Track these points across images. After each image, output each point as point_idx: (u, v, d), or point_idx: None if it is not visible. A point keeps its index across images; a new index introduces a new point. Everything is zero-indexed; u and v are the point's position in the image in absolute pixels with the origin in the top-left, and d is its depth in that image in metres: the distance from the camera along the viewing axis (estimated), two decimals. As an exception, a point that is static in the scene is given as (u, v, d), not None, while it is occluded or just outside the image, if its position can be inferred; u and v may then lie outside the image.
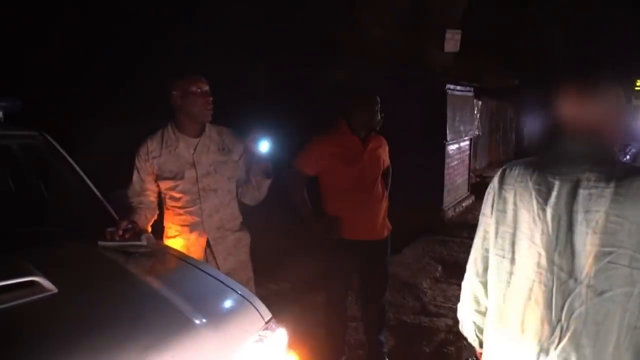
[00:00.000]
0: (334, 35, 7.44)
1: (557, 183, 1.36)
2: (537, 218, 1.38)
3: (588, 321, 1.28)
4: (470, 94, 8.31)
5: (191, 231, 2.51)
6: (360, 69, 7.02)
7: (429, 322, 4.04)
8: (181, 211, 2.50)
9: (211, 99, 2.48)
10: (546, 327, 1.34)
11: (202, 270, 2.02)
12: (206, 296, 1.83)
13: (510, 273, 1.45)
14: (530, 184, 1.42)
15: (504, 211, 1.49)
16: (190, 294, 1.78)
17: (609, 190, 1.28)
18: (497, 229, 1.51)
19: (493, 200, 1.55)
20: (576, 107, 1.41)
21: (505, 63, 19.89)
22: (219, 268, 2.48)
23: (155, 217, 2.58)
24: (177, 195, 2.49)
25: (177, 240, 2.54)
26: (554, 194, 1.35)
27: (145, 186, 2.50)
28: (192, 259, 2.26)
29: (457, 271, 5.22)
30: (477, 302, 1.61)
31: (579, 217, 1.31)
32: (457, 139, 7.55)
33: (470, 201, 8.46)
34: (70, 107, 6.19)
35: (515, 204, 1.45)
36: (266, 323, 1.81)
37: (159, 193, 2.56)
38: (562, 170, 1.36)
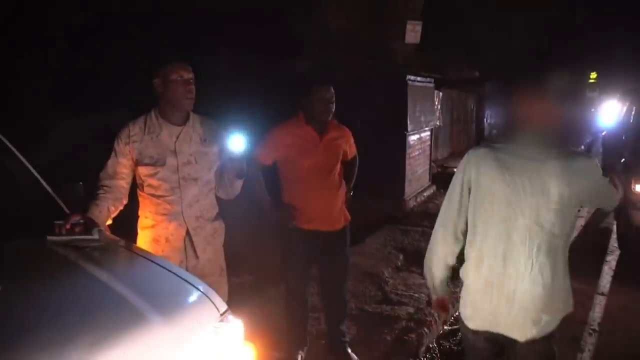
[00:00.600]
0: (297, 26, 7.40)
1: (518, 160, 1.90)
2: (508, 184, 1.90)
3: (548, 254, 1.88)
4: (431, 85, 8.41)
5: (170, 221, 2.48)
6: (322, 60, 7.01)
7: (390, 310, 4.09)
8: (160, 200, 2.47)
9: (192, 87, 2.47)
10: (522, 261, 1.89)
11: (156, 263, 1.98)
12: (159, 289, 1.80)
13: (491, 225, 1.94)
14: (499, 160, 1.93)
15: (477, 181, 1.97)
16: (142, 287, 1.74)
17: (555, 166, 1.86)
18: (475, 195, 1.99)
19: (468, 174, 2.00)
20: (529, 106, 1.95)
21: (466, 55, 20.23)
22: (197, 258, 2.53)
23: (122, 207, 2.51)
24: (156, 182, 2.46)
25: (154, 230, 2.51)
26: (517, 166, 1.90)
27: (119, 170, 2.45)
28: (146, 252, 2.22)
29: (418, 260, 5.24)
30: (448, 261, 2.11)
31: (538, 184, 1.87)
32: (418, 129, 7.64)
33: (432, 191, 8.58)
34: (24, 100, 5.97)
35: (489, 175, 1.94)
36: (221, 315, 1.79)
37: (132, 181, 2.52)
38: (521, 151, 1.91)
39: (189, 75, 2.47)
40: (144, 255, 2.09)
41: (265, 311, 3.71)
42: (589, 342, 3.86)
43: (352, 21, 8.05)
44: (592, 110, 20.83)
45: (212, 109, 3.15)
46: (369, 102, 6.89)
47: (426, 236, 6.15)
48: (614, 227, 6.46)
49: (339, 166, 3.08)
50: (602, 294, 4.79)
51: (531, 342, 1.93)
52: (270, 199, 3.05)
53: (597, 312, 4.38)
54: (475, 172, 1.96)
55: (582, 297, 4.61)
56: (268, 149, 3.02)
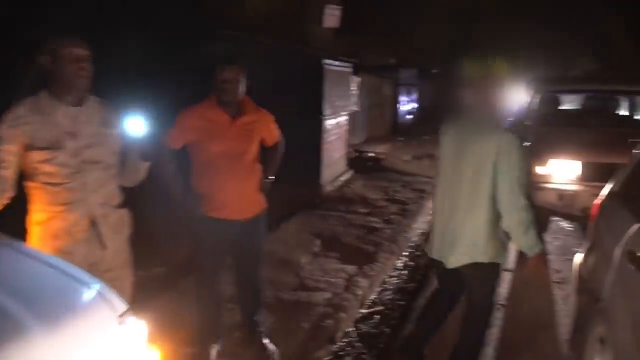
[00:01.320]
0: (214, 8, 7.10)
1: (464, 136, 2.70)
2: (454, 153, 2.73)
3: (468, 200, 2.65)
4: (348, 69, 8.43)
5: (71, 210, 2.27)
6: (239, 42, 6.78)
7: (307, 297, 4.05)
8: (58, 188, 2.24)
9: (86, 65, 2.26)
10: (449, 207, 2.74)
11: (46, 263, 1.77)
12: (45, 294, 1.60)
13: (444, 182, 2.83)
14: (452, 135, 2.81)
15: (440, 150, 2.89)
16: (24, 293, 1.53)
17: (487, 141, 2.57)
18: (440, 161, 2.90)
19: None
20: (472, 93, 2.76)
21: (384, 41, 20.60)
22: (104, 249, 2.36)
23: (7, 201, 2.23)
24: (53, 169, 2.22)
25: (51, 223, 2.27)
26: (461, 139, 2.70)
27: (4, 157, 2.18)
28: (36, 251, 1.98)
29: (335, 245, 5.31)
30: None
31: (469, 153, 2.63)
32: (335, 114, 7.63)
33: (348, 176, 8.65)
34: None
35: (446, 146, 2.83)
36: (120, 317, 1.63)
37: (19, 171, 2.25)
38: (466, 128, 2.74)
39: (82, 52, 2.26)
40: (31, 255, 1.87)
41: (177, 305, 3.54)
42: (498, 316, 4.04)
43: (271, 3, 7.87)
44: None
45: (124, 92, 2.97)
46: (286, 85, 6.77)
47: (343, 221, 6.27)
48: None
49: (253, 151, 2.95)
50: (507, 269, 5.04)
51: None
52: (182, 185, 2.88)
53: (503, 287, 4.59)
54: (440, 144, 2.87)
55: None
56: (177, 132, 2.85)
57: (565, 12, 20.42)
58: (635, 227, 2.29)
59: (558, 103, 7.33)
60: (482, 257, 2.65)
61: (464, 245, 2.66)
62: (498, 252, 2.69)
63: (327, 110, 7.14)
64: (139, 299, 2.52)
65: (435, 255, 2.86)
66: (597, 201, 3.07)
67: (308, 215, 6.33)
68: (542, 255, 2.62)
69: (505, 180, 2.51)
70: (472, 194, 2.61)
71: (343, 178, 8.32)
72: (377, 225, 6.06)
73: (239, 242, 3.00)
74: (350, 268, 4.69)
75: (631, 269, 2.14)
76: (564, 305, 4.25)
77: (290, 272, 4.52)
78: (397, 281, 4.86)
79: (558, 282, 4.74)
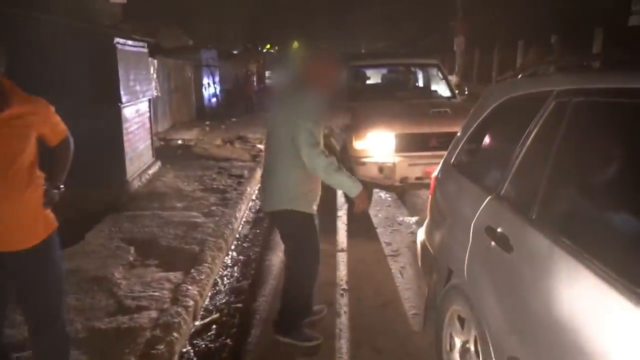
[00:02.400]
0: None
1: (278, 105, 3.17)
2: (271, 121, 3.19)
3: (279, 156, 3.06)
4: (144, 50, 7.52)
5: None
6: (9, 18, 5.49)
7: (128, 321, 3.35)
8: None
9: None
10: (268, 164, 3.19)
11: None
12: None
13: (266, 145, 3.30)
14: (272, 106, 3.25)
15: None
16: None
17: (289, 105, 3.03)
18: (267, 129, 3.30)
19: None
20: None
21: (182, 22, 19.45)
22: None
23: None
24: None
25: None
26: (276, 108, 3.18)
27: None
28: None
29: (153, 250, 4.61)
30: None
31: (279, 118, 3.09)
32: (135, 100, 6.73)
33: (157, 167, 7.83)
34: None
35: (269, 115, 3.27)
36: None
37: None
38: (281, 99, 3.21)
39: None
40: None
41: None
42: (343, 303, 3.86)
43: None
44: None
45: None
46: (71, 69, 5.71)
47: (158, 220, 5.53)
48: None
49: (28, 156, 2.17)
50: (342, 249, 4.94)
51: None
52: None
53: (342, 270, 4.45)
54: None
55: (327, 257, 4.65)
56: None
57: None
58: (487, 200, 2.18)
59: (365, 78, 7.51)
60: (291, 205, 3.06)
61: (276, 194, 3.10)
62: (305, 203, 3.09)
63: (125, 97, 6.22)
64: None
65: (262, 206, 3.47)
66: (434, 173, 2.99)
67: (116, 219, 5.46)
68: (363, 193, 2.95)
69: (301, 133, 2.86)
70: (281, 152, 3.00)
71: (152, 171, 7.48)
72: (198, 220, 5.48)
73: (21, 280, 2.23)
74: (175, 275, 4.08)
75: (491, 246, 2.01)
76: (403, 278, 4.26)
77: (103, 293, 3.74)
78: (230, 280, 4.40)
79: (392, 255, 4.76)
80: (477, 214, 2.21)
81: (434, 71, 7.74)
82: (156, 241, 4.85)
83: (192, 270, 4.18)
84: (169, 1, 15.85)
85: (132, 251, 4.58)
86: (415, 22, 31.78)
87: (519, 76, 2.36)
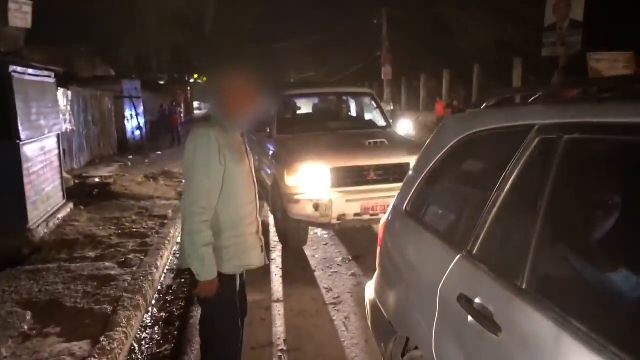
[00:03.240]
0: None
1: None
2: None
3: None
4: (51, 80, 6.75)
5: None
6: None
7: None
8: None
9: None
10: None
11: None
12: None
13: None
14: None
15: None
16: None
17: None
18: None
19: None
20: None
21: (100, 52, 18.41)
22: None
23: None
24: None
25: None
26: None
27: None
28: None
29: (55, 314, 3.87)
30: None
31: None
32: (38, 136, 5.95)
33: (68, 210, 6.99)
34: None
35: None
36: None
37: None
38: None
39: None
40: None
41: None
42: (282, 368, 3.33)
43: None
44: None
45: None
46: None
47: (65, 275, 4.76)
48: (270, 221, 6.35)
49: None
50: (278, 300, 4.41)
51: None
52: None
53: (279, 326, 3.92)
54: None
55: (261, 310, 4.13)
56: None
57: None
58: (456, 260, 1.76)
59: (296, 108, 7.12)
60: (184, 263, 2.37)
61: (184, 247, 2.39)
62: (218, 261, 2.36)
63: (25, 133, 5.45)
64: None
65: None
66: (383, 220, 2.56)
67: (12, 276, 4.65)
68: (210, 284, 2.30)
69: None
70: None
71: (62, 215, 6.65)
72: (113, 272, 4.77)
73: None
74: (80, 346, 3.39)
75: (469, 321, 1.58)
76: (348, 331, 3.78)
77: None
78: (149, 345, 3.75)
79: (334, 304, 4.28)
80: (444, 277, 1.78)
81: (367, 100, 7.49)
82: (60, 302, 4.12)
83: (102, 338, 3.50)
84: (85, 28, 14.90)
85: (28, 317, 3.82)
86: (342, 52, 32.25)
87: (482, 106, 2.00)
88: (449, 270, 1.78)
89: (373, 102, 7.30)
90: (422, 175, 2.23)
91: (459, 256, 1.76)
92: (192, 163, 2.25)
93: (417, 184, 2.26)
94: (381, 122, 6.95)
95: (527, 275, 1.44)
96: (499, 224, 1.65)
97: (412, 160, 5.52)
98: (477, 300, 1.58)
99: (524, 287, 1.44)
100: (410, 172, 2.42)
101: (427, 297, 1.86)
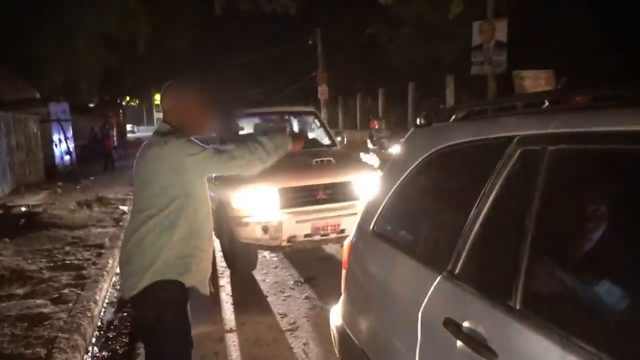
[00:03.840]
0: None
1: None
2: None
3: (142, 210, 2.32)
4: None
5: None
6: None
7: None
8: None
9: None
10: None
11: None
12: None
13: None
14: None
15: None
16: None
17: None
18: None
19: None
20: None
21: (24, 72, 17.37)
22: None
23: None
24: None
25: None
26: None
27: None
28: None
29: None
30: None
31: None
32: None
33: (-7, 244, 6.42)
34: None
35: None
36: None
37: None
38: None
39: None
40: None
41: None
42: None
43: None
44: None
45: None
46: None
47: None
48: (219, 246, 6.08)
49: None
50: (231, 329, 4.16)
51: None
52: None
53: (234, 357, 3.67)
54: None
55: (213, 343, 3.88)
56: None
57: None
58: (437, 282, 1.66)
59: (238, 128, 6.92)
60: (156, 275, 2.25)
61: (139, 265, 2.27)
62: (175, 271, 2.29)
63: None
64: None
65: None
66: (348, 242, 2.43)
67: None
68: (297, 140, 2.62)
69: (207, 160, 2.31)
70: (149, 209, 2.30)
71: (-16, 249, 6.08)
72: (45, 310, 4.35)
73: None
74: (10, 397, 3.03)
75: (458, 346, 1.48)
76: (308, 358, 3.60)
77: None
78: (90, 390, 3.42)
79: (290, 330, 4.08)
80: (425, 300, 1.68)
81: (310, 119, 7.41)
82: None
83: (35, 386, 3.15)
84: (6, 48, 14.04)
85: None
86: (279, 71, 32.36)
87: (451, 119, 1.93)
88: (429, 293, 1.67)
89: (316, 121, 7.23)
90: (390, 193, 2.13)
91: (439, 277, 1.66)
92: (201, 150, 2.24)
93: (384, 201, 2.16)
94: (326, 140, 6.87)
95: (520, 293, 1.35)
96: (482, 242, 1.56)
97: (360, 178, 5.51)
98: (465, 324, 1.48)
99: (517, 307, 1.35)
100: (376, 190, 2.32)
101: (406, 322, 1.74)
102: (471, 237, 1.59)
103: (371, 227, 2.22)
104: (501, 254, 1.51)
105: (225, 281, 5.38)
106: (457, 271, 1.61)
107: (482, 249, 1.56)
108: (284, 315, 4.37)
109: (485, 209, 1.57)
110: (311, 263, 5.78)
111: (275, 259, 6.07)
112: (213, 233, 2.45)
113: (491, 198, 1.56)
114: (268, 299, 4.82)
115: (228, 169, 2.36)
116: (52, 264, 5.72)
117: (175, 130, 2.30)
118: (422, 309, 1.68)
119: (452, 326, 1.51)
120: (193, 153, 2.21)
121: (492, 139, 1.64)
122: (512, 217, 1.48)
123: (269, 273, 5.59)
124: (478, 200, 1.59)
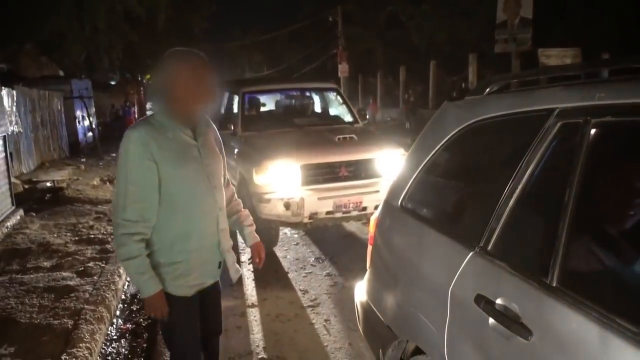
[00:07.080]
0: None
1: None
2: None
3: None
4: (-5, 78, 6.30)
5: None
6: None
7: None
8: None
9: None
10: None
11: None
12: None
13: None
14: None
15: None
16: None
17: None
18: None
19: None
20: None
21: (44, 51, 17.53)
22: None
23: None
24: None
25: None
26: None
27: None
28: None
29: (7, 333, 3.53)
30: None
31: None
32: (-16, 138, 5.52)
33: (18, 217, 6.54)
34: None
35: None
36: None
37: None
38: None
39: None
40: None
41: None
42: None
43: None
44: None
45: None
46: None
47: (16, 288, 4.37)
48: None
49: None
50: (253, 304, 4.20)
51: None
52: None
53: (256, 332, 3.71)
54: None
55: (236, 317, 3.92)
56: None
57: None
58: (469, 258, 1.62)
59: (259, 105, 6.89)
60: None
61: None
62: (166, 280, 2.08)
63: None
64: None
65: None
66: (375, 217, 2.40)
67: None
68: (155, 298, 2.00)
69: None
70: None
71: (10, 223, 6.20)
72: (71, 283, 4.44)
73: None
74: (39, 366, 3.10)
75: (490, 323, 1.45)
76: (330, 335, 3.62)
77: None
78: (116, 361, 3.49)
79: (311, 306, 4.10)
80: (455, 277, 1.65)
81: (332, 95, 7.33)
82: (14, 318, 3.77)
83: (64, 356, 3.21)
84: (30, 26, 14.14)
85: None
86: (298, 48, 32.09)
87: (485, 93, 1.87)
88: (460, 270, 1.64)
89: (339, 97, 7.15)
90: (420, 168, 2.09)
91: (471, 253, 1.63)
92: (118, 168, 1.98)
93: (413, 177, 2.12)
94: (348, 117, 6.81)
95: (558, 271, 1.31)
96: (518, 218, 1.52)
97: (383, 155, 5.46)
98: (498, 302, 1.45)
99: (554, 284, 1.31)
100: (404, 165, 2.28)
101: (436, 299, 1.72)
102: (506, 212, 1.55)
103: (399, 202, 2.18)
104: (538, 231, 1.46)
105: (246, 257, 5.41)
106: (490, 247, 1.58)
107: (518, 225, 1.52)
108: (305, 292, 4.39)
109: (522, 184, 1.52)
110: (332, 240, 5.78)
111: (296, 235, 6.08)
112: (219, 224, 2.16)
113: (528, 173, 1.51)
114: (289, 275, 4.85)
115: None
116: (77, 238, 5.82)
117: (154, 115, 2.10)
118: (452, 285, 1.65)
119: (485, 303, 1.49)
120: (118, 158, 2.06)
121: (529, 111, 1.58)
122: (550, 193, 1.44)
123: (290, 250, 5.61)
124: (514, 175, 1.54)
